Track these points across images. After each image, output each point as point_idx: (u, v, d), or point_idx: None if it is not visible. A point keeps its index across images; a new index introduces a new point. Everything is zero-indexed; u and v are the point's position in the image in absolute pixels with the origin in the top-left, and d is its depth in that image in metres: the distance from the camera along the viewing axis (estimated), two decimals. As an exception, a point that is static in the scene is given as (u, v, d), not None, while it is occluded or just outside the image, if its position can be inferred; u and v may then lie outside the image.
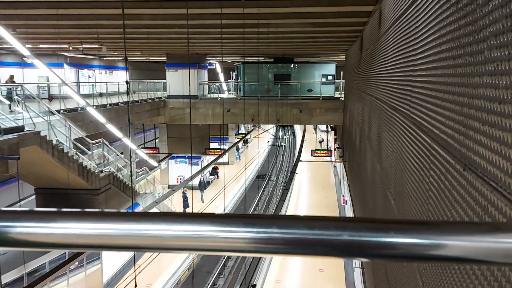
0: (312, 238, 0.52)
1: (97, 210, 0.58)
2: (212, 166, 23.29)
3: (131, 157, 10.56)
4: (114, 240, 0.54)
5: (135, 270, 7.02)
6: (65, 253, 11.49)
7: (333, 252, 0.53)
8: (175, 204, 19.98)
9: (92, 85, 21.23)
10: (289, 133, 48.30)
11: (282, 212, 15.80)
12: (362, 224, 0.53)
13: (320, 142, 30.21)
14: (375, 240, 0.52)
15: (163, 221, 0.54)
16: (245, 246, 0.53)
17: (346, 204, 17.67)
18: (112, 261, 14.53)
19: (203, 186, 22.93)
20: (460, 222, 0.65)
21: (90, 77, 26.16)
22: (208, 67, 25.25)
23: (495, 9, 1.70)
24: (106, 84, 16.87)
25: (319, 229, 0.52)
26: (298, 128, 44.01)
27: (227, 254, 0.57)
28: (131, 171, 10.86)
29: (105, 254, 13.82)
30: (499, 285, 1.56)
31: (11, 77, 15.17)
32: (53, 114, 11.14)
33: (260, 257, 12.46)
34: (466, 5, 2.11)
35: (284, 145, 41.34)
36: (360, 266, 10.98)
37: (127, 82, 6.17)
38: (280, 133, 46.91)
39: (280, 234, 0.52)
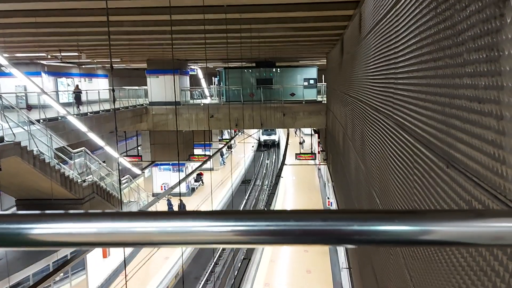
0: (326, 229, 0.58)
1: (104, 211, 0.62)
2: (197, 172, 22.98)
3: (118, 164, 10.44)
4: (118, 237, 0.58)
5: (125, 278, 6.94)
6: (49, 264, 11.26)
7: (326, 240, 0.58)
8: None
9: (72, 93, 20.87)
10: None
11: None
12: (351, 215, 0.59)
13: (301, 143, 30.83)
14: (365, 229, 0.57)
15: (166, 219, 0.58)
16: (253, 238, 0.58)
17: (331, 205, 17.84)
18: (98, 271, 14.30)
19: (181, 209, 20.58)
20: (449, 210, 0.73)
21: (69, 85, 25.73)
22: (190, 73, 25.18)
23: (472, 15, 1.80)
24: (86, 92, 16.65)
25: (331, 220, 0.58)
26: (282, 132, 43.81)
27: (224, 246, 0.63)
28: (119, 180, 10.73)
29: (90, 264, 13.59)
30: (483, 278, 1.64)
31: (77, 86, 15.02)
32: (33, 123, 10.94)
33: (248, 262, 12.48)
34: (445, 10, 2.21)
35: (269, 149, 41.46)
36: (347, 266, 11.10)
37: (113, 90, 6.13)
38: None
39: (296, 226, 0.58)
